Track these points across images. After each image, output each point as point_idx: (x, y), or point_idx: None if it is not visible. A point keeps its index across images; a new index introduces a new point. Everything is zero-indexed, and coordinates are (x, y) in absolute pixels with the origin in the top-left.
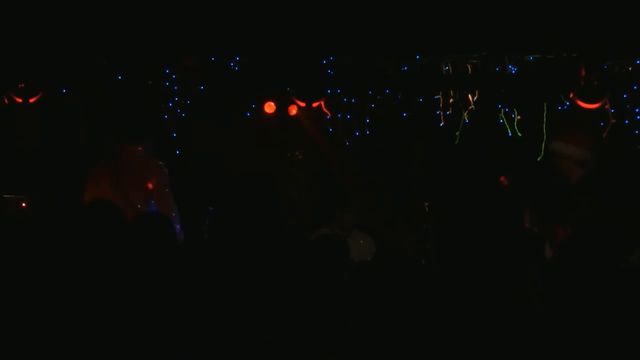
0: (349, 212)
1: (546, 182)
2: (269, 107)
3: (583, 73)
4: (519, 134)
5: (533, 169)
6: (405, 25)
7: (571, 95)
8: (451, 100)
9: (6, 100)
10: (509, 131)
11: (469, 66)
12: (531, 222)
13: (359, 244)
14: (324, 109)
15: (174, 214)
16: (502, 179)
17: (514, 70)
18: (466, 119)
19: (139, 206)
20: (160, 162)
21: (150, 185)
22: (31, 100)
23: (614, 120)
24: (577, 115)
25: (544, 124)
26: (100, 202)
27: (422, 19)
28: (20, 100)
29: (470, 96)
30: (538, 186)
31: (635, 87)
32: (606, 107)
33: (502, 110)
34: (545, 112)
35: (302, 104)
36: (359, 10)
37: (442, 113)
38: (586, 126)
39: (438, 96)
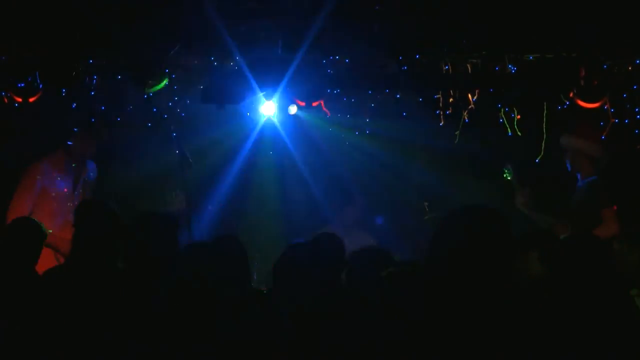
0: (350, 211)
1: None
2: (269, 107)
3: (582, 73)
4: (519, 134)
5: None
6: (404, 24)
7: (571, 95)
8: (451, 100)
9: (6, 100)
10: (509, 131)
11: (468, 65)
12: (523, 204)
13: (361, 242)
14: (324, 109)
15: None
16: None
17: (513, 69)
18: (466, 118)
19: None
20: None
21: None
22: (31, 100)
23: (614, 120)
24: (578, 113)
25: (544, 124)
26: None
27: (421, 18)
28: (20, 99)
29: (470, 95)
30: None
31: (635, 87)
32: (606, 106)
33: (502, 110)
34: (545, 111)
35: (302, 104)
36: (359, 9)
37: (441, 112)
38: (587, 122)
39: (438, 95)
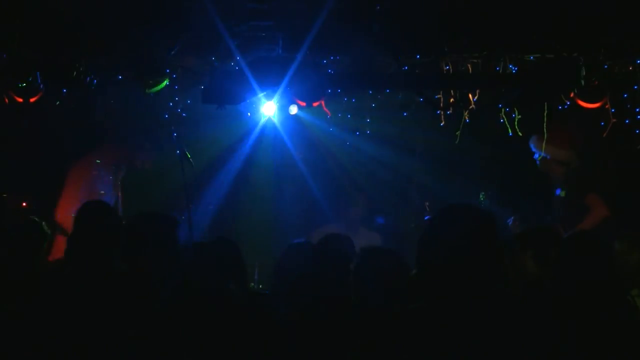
0: (353, 211)
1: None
2: (270, 107)
3: (583, 73)
4: (519, 134)
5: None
6: (405, 24)
7: (571, 95)
8: (451, 100)
9: (6, 100)
10: (509, 131)
11: (469, 65)
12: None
13: (365, 241)
14: (325, 109)
15: None
16: None
17: (514, 69)
18: (467, 118)
19: None
20: None
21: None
22: (32, 100)
23: (614, 120)
24: (578, 113)
25: (544, 124)
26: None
27: (422, 18)
28: (20, 99)
29: (470, 95)
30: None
31: (635, 87)
32: (607, 106)
33: (503, 110)
34: (545, 111)
35: (303, 104)
36: (360, 9)
37: (442, 112)
38: (588, 122)
39: (438, 95)
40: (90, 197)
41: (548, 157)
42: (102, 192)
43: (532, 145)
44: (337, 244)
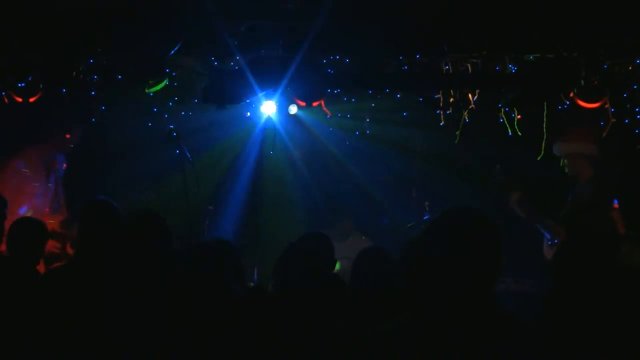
0: (347, 217)
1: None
2: (269, 107)
3: (582, 73)
4: (519, 134)
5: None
6: (405, 24)
7: (571, 95)
8: (451, 100)
9: (6, 100)
10: (509, 131)
11: (469, 65)
12: (520, 207)
13: (358, 245)
14: (325, 109)
15: None
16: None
17: (514, 69)
18: (466, 118)
19: None
20: None
21: None
22: (31, 100)
23: (614, 120)
24: (578, 113)
25: (544, 124)
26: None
27: (422, 18)
28: (20, 99)
29: (470, 95)
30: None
31: (635, 87)
32: (606, 106)
33: (502, 110)
34: (545, 111)
35: (303, 103)
36: (360, 9)
37: (442, 112)
38: (588, 122)
39: (438, 95)
40: (23, 196)
41: (577, 155)
42: (37, 184)
43: (556, 150)
44: (313, 243)
